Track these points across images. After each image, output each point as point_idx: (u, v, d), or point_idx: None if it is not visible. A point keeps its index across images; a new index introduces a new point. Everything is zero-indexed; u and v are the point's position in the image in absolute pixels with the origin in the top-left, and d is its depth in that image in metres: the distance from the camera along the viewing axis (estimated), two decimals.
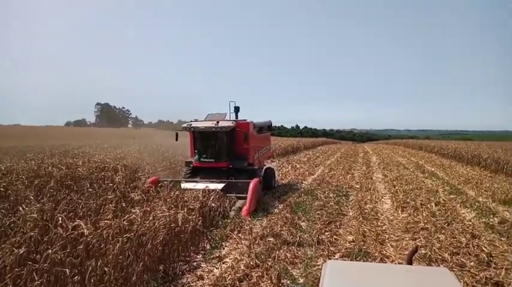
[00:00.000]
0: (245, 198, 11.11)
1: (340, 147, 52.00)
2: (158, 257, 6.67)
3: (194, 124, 12.90)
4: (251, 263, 7.04)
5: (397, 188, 15.17)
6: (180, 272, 6.96)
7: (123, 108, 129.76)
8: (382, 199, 13.46)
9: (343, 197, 13.61)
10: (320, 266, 6.99)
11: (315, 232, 9.03)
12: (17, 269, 5.17)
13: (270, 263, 6.98)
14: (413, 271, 3.78)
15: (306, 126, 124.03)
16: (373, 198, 13.27)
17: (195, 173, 13.17)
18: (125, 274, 5.78)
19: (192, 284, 6.49)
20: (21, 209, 8.55)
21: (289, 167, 22.66)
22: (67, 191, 11.35)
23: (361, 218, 10.24)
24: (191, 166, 13.29)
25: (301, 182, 17.25)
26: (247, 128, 13.24)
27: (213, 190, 10.99)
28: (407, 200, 12.63)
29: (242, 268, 6.85)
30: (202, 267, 7.22)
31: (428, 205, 11.72)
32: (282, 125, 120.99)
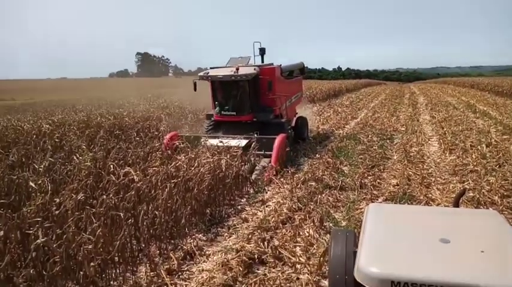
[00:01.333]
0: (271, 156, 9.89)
1: (384, 88, 50.12)
2: (205, 201, 6.96)
3: (211, 72, 11.23)
4: (293, 206, 7.19)
5: (445, 129, 14.55)
6: (226, 215, 7.27)
7: (163, 57, 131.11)
8: (429, 141, 13.02)
9: (387, 141, 13.29)
10: (363, 210, 7.03)
11: (357, 176, 8.97)
12: (77, 213, 5.60)
13: (312, 207, 7.09)
14: (460, 213, 3.70)
15: (348, 68, 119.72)
16: (419, 140, 12.86)
17: (218, 127, 11.75)
18: (174, 217, 6.11)
19: (237, 226, 6.78)
20: (75, 158, 9.12)
21: (331, 112, 22.26)
22: (116, 140, 11.90)
23: (406, 162, 10.01)
24: (212, 119, 11.86)
25: (344, 127, 16.97)
26: (273, 74, 11.48)
27: (234, 147, 9.55)
28: (456, 141, 12.10)
29: (285, 211, 7.02)
30: (246, 210, 7.48)
31: (479, 147, 11.17)
32: (322, 68, 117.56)
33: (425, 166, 9.78)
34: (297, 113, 14.01)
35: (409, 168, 9.46)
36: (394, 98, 31.92)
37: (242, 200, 8.08)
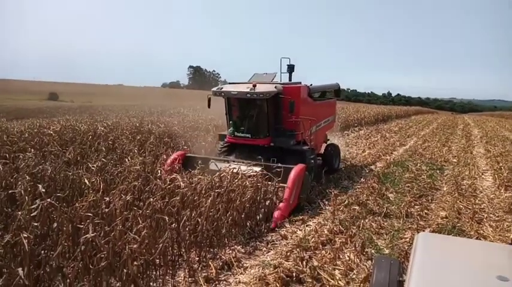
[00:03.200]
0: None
1: (436, 117, 48.26)
2: (245, 213, 7.00)
3: (226, 88, 9.89)
4: (335, 228, 7.06)
5: (501, 164, 13.72)
6: (265, 230, 7.25)
7: (214, 71, 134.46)
8: (483, 176, 12.34)
9: (437, 171, 12.74)
10: (408, 239, 6.76)
11: (403, 204, 8.67)
12: (125, 213, 5.83)
13: (354, 231, 6.92)
14: None
15: (398, 94, 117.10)
16: (472, 174, 12.23)
17: (232, 150, 10.34)
18: (216, 226, 6.20)
19: (276, 242, 6.74)
20: (126, 161, 9.53)
21: (378, 137, 21.75)
22: (164, 147, 12.30)
23: (456, 194, 9.55)
24: (226, 140, 10.43)
25: (391, 153, 16.49)
26: (297, 94, 9.93)
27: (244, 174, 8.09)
28: None
29: (325, 232, 6.90)
30: (286, 227, 7.41)
31: None
32: (371, 92, 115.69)
33: (477, 201, 9.27)
34: (328, 140, 12.84)
35: (460, 201, 9.00)
36: (447, 128, 30.66)
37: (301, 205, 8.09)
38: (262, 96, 9.33)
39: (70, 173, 8.11)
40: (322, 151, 12.11)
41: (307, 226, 7.47)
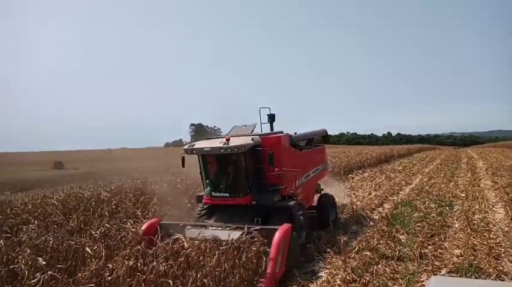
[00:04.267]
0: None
1: (439, 153, 48.19)
2: (253, 269, 6.77)
3: (198, 145, 9.11)
4: (347, 277, 6.79)
5: (510, 195, 13.48)
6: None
7: (215, 127, 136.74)
8: (493, 208, 12.06)
9: (447, 208, 12.49)
10: (424, 283, 6.47)
11: (416, 245, 8.39)
12: (128, 279, 5.66)
13: (368, 278, 6.66)
14: None
15: (399, 133, 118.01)
16: (483, 207, 11.95)
17: (212, 212, 9.32)
18: (223, 286, 5.97)
19: None
20: (129, 224, 9.41)
21: (383, 177, 21.58)
22: (168, 207, 12.19)
23: (469, 230, 9.27)
24: (204, 202, 9.48)
25: (397, 193, 16.28)
26: (277, 144, 9.09)
27: (224, 241, 7.18)
28: None
29: (338, 282, 6.65)
30: (297, 280, 7.14)
31: None
32: (372, 133, 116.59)
33: (491, 235, 8.98)
34: (322, 189, 12.04)
35: (474, 237, 8.73)
36: (451, 162, 30.49)
37: (292, 270, 7.75)
38: (237, 151, 8.40)
39: (73, 243, 7.99)
40: (316, 202, 11.21)
41: (318, 277, 7.20)
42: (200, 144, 9.12)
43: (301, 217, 8.84)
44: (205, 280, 5.74)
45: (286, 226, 7.38)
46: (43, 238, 8.22)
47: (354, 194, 16.22)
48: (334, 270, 7.37)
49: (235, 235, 7.39)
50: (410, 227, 10.20)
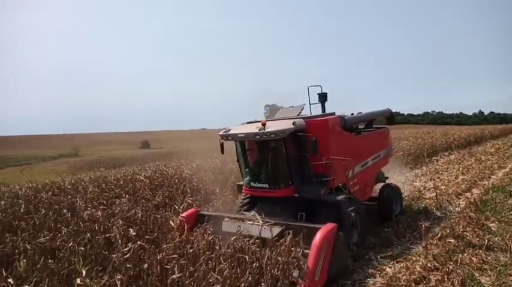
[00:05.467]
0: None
1: None
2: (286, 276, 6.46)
3: (234, 130, 8.31)
4: (428, 265, 6.46)
5: None
6: (351, 267, 6.90)
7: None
8: None
9: None
10: None
11: (509, 235, 7.70)
12: (207, 253, 6.00)
13: (451, 267, 6.26)
14: None
15: (492, 112, 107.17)
16: None
17: (254, 203, 8.46)
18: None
19: (363, 281, 6.37)
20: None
21: (472, 160, 19.89)
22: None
23: None
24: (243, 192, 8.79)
25: (489, 177, 14.93)
26: (324, 129, 8.06)
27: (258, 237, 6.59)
28: None
29: (418, 269, 6.36)
30: (373, 265, 6.99)
31: None
32: (460, 112, 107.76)
33: None
34: (386, 178, 10.61)
35: None
36: None
37: (369, 253, 7.60)
38: (273, 137, 7.44)
39: (159, 216, 8.66)
40: (376, 192, 10.08)
41: (397, 262, 6.95)
42: (236, 129, 8.30)
43: (353, 214, 7.66)
44: (279, 258, 5.76)
45: (330, 225, 6.34)
46: (133, 211, 9.05)
47: (438, 177, 15.24)
48: (414, 256, 7.07)
49: (274, 231, 6.61)
50: (502, 215, 9.34)
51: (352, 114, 9.75)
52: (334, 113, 8.93)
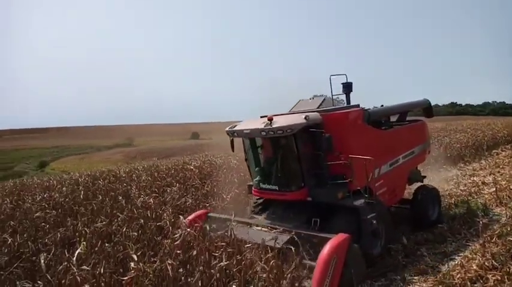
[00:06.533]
0: None
1: None
2: None
3: (239, 126, 7.55)
4: (486, 263, 6.09)
5: None
6: (403, 263, 6.70)
7: (337, 98, 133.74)
8: None
9: None
10: None
11: None
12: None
13: None
14: None
15: None
16: None
17: (268, 205, 7.88)
18: None
19: (414, 278, 6.16)
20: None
21: None
22: None
23: None
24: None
25: None
26: (343, 123, 7.28)
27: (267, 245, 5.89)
28: None
29: (474, 267, 6.02)
30: (425, 260, 6.73)
31: None
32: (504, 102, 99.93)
33: None
34: (424, 177, 9.58)
35: None
36: None
37: (421, 248, 7.31)
38: (281, 133, 6.64)
39: (207, 205, 8.89)
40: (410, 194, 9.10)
41: (451, 259, 6.66)
42: (242, 125, 7.55)
43: (374, 221, 6.58)
44: None
45: (341, 236, 5.58)
46: (183, 199, 9.35)
47: (499, 172, 14.28)
48: (470, 254, 6.71)
49: (283, 238, 6.01)
50: None
51: (382, 106, 8.87)
52: (359, 105, 8.07)
